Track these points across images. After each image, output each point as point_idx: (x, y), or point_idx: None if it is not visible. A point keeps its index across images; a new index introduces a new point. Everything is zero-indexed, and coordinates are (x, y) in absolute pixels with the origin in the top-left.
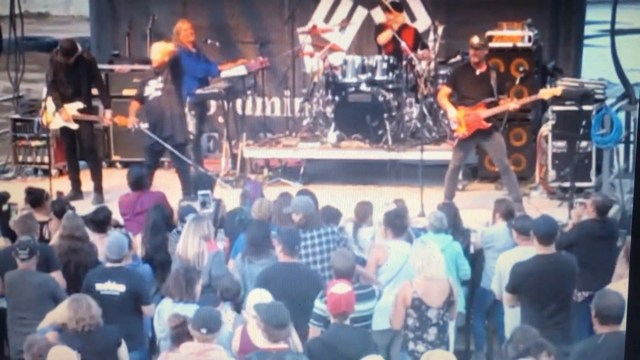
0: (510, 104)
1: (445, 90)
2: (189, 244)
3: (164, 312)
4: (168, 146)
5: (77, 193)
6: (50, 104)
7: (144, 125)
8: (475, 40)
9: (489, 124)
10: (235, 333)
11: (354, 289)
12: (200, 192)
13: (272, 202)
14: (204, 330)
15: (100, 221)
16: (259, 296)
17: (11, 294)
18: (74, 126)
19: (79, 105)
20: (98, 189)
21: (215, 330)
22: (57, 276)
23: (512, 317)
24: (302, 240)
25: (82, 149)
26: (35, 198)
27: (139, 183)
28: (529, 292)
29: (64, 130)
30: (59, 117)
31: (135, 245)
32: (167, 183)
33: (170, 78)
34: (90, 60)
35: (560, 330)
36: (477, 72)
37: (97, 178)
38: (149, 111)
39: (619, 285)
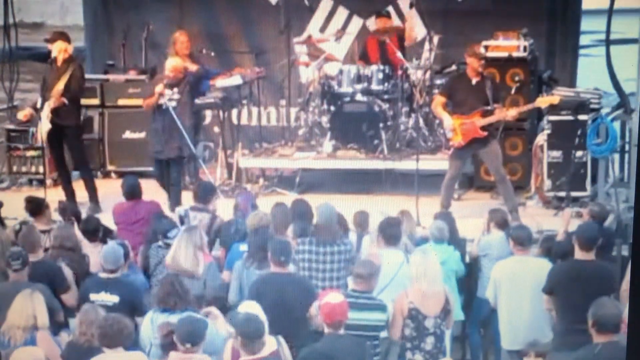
0: (508, 112)
1: (439, 99)
2: (182, 255)
3: (156, 321)
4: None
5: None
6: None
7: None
8: (480, 49)
9: (485, 133)
10: (226, 346)
11: (355, 297)
12: (178, 208)
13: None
14: (188, 345)
15: (91, 230)
16: (247, 309)
17: (3, 305)
18: (47, 125)
19: (50, 102)
20: (93, 198)
21: (200, 341)
22: (68, 298)
23: (507, 327)
24: (322, 254)
25: (73, 159)
26: (36, 207)
27: (134, 192)
28: (562, 294)
29: (51, 140)
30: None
31: (132, 255)
32: (160, 192)
33: (188, 91)
34: (77, 69)
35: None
36: (473, 81)
37: (91, 188)
38: (157, 119)
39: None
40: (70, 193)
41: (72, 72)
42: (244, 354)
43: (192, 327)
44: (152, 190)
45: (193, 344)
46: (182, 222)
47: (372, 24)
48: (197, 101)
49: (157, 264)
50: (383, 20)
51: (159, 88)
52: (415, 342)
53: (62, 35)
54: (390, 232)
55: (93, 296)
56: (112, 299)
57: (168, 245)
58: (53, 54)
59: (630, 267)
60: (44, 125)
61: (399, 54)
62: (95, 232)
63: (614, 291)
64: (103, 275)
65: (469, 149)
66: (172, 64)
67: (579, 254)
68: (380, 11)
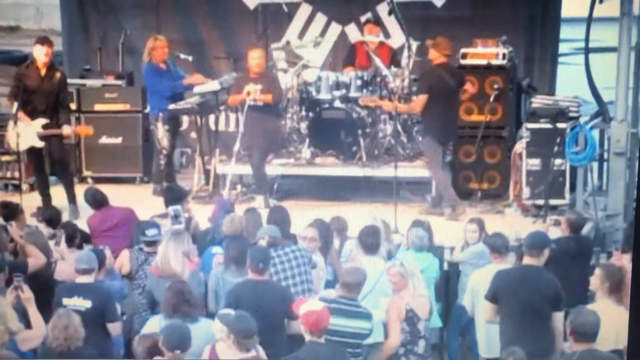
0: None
1: None
2: (172, 259)
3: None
4: None
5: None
6: (12, 126)
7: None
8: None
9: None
10: (204, 351)
11: (343, 304)
12: (171, 207)
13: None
14: (178, 351)
15: (68, 236)
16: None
17: None
18: (40, 144)
19: (42, 121)
20: (73, 201)
21: (188, 347)
22: None
23: (485, 335)
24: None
25: (53, 165)
26: (10, 212)
27: (96, 201)
28: (508, 300)
29: (32, 149)
30: (26, 136)
31: (111, 260)
32: (137, 198)
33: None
34: (62, 75)
35: (536, 346)
36: None
37: (71, 192)
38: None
39: (599, 304)
40: (48, 200)
41: (59, 81)
42: (238, 352)
43: (180, 333)
44: (129, 196)
45: (182, 350)
46: (175, 221)
47: (354, 29)
48: (173, 106)
49: (137, 268)
50: (369, 27)
51: (249, 87)
52: (408, 347)
53: (48, 40)
54: (369, 240)
55: (66, 301)
56: (85, 304)
57: (149, 244)
58: (41, 59)
59: (631, 268)
60: (32, 140)
61: (377, 61)
62: (73, 237)
63: (558, 302)
64: (78, 280)
65: None
66: (257, 57)
67: (526, 260)
68: (368, 19)
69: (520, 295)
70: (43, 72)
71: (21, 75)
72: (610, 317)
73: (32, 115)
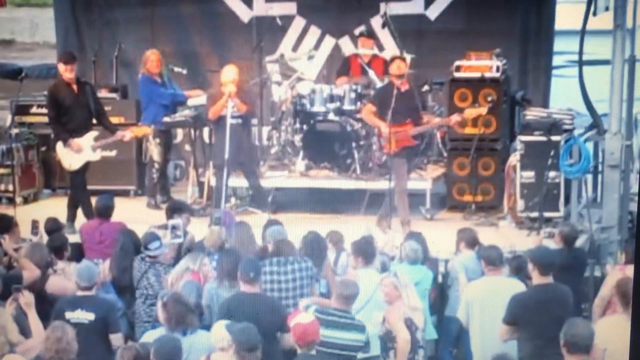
0: (436, 119)
1: (370, 108)
2: (182, 277)
3: None
4: None
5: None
6: (60, 148)
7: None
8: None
9: (417, 141)
10: None
11: (337, 316)
12: (170, 222)
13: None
14: None
15: (57, 247)
16: (218, 328)
17: None
18: (96, 157)
19: (94, 133)
20: (73, 218)
21: (180, 359)
22: None
23: (480, 347)
24: (283, 273)
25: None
26: (4, 224)
27: (103, 212)
28: (528, 322)
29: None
30: (72, 153)
31: (105, 273)
32: (131, 211)
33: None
34: (92, 86)
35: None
36: (402, 89)
37: (77, 208)
38: (219, 131)
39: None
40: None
41: (92, 91)
42: None
43: (172, 345)
44: (123, 209)
45: None
46: (173, 234)
47: (347, 43)
48: (168, 119)
49: (140, 278)
50: (363, 40)
51: (227, 88)
52: (409, 355)
53: (69, 56)
54: (365, 249)
55: (68, 314)
56: (88, 316)
57: (152, 258)
58: (68, 76)
59: (634, 270)
60: (86, 155)
61: (371, 73)
62: (61, 249)
63: (571, 313)
64: (79, 293)
65: (400, 157)
66: (233, 74)
67: (538, 279)
68: (362, 32)
69: (539, 318)
70: (76, 86)
71: (54, 94)
72: None
73: (80, 132)
